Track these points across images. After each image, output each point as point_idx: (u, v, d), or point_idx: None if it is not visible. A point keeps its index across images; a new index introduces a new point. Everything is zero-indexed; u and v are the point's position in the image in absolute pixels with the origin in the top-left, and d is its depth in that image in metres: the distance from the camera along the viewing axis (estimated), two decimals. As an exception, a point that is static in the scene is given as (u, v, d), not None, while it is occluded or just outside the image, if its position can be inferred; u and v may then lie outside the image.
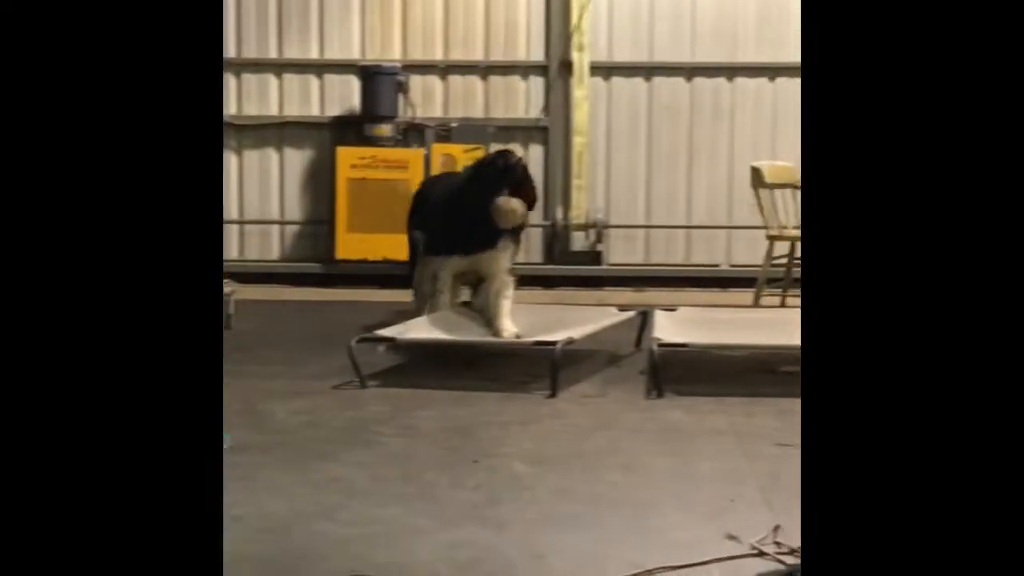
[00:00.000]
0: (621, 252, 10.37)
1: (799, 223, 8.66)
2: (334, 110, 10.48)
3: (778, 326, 7.21)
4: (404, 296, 8.50)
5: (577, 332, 6.66)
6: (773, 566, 3.62)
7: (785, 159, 9.64)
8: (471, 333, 6.83)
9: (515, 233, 7.01)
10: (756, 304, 8.64)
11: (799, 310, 7.86)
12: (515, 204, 6.82)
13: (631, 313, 7.45)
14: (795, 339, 6.68)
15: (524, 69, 10.41)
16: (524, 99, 10.45)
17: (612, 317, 7.36)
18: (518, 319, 6.89)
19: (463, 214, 6.91)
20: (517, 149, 10.19)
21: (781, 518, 4.14)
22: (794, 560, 3.73)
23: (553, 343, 6.30)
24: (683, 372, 6.58)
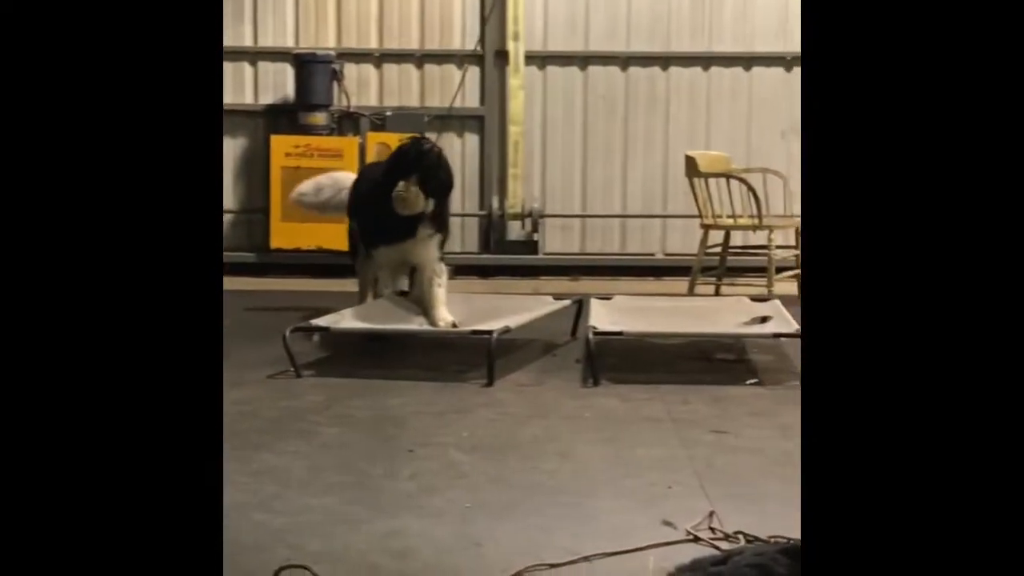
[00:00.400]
0: (557, 241, 10.39)
1: (733, 212, 8.73)
2: (268, 98, 10.41)
3: (713, 314, 7.26)
4: (339, 285, 8.47)
5: (513, 321, 6.66)
6: (708, 551, 3.64)
7: (719, 148, 9.71)
8: (406, 322, 6.81)
9: (436, 221, 6.94)
10: (691, 292, 8.70)
11: (733, 298, 7.96)
12: (411, 192, 6.75)
13: (567, 302, 7.46)
14: (730, 327, 6.80)
15: (459, 58, 10.39)
16: (460, 88, 10.42)
17: (548, 306, 7.37)
18: (454, 308, 6.88)
19: (383, 203, 6.88)
20: (453, 138, 10.20)
21: (716, 504, 4.18)
22: (728, 545, 3.75)
23: (489, 332, 6.30)
24: (619, 360, 6.61)
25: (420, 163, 6.81)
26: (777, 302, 7.18)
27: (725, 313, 7.20)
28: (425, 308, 6.84)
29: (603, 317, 6.80)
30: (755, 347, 6.95)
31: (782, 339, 6.55)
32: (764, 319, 6.73)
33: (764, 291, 8.27)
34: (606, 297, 7.67)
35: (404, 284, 7.29)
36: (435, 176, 6.85)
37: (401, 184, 6.72)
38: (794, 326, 6.35)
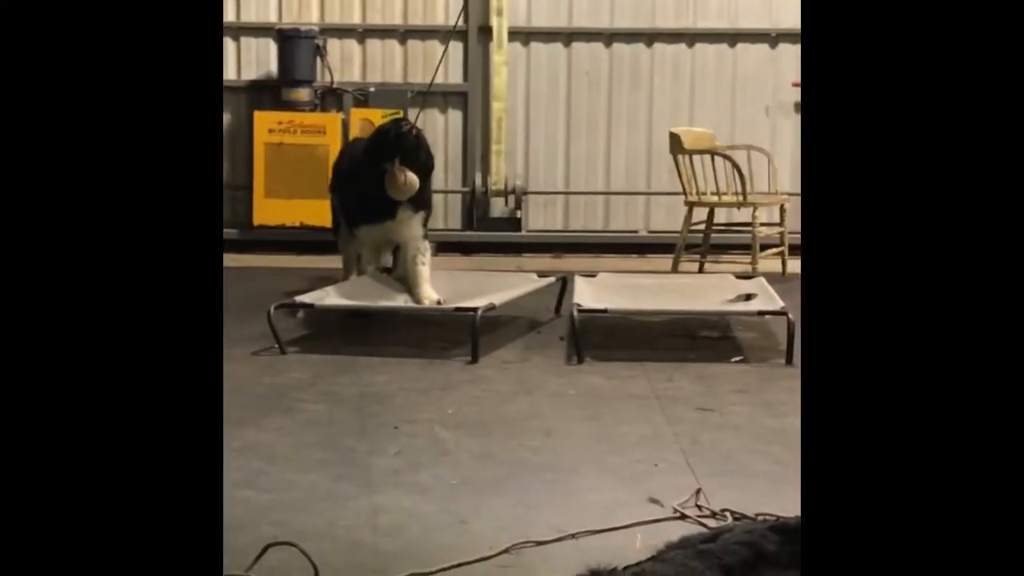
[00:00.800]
0: (540, 218, 10.36)
1: (717, 189, 8.72)
2: (251, 74, 10.35)
3: (697, 291, 7.26)
4: (322, 262, 8.45)
5: (497, 298, 6.65)
6: (695, 529, 3.64)
7: (703, 125, 9.69)
8: (391, 299, 6.79)
9: (418, 199, 6.93)
10: (675, 270, 8.69)
11: (717, 276, 7.96)
12: (408, 176, 6.73)
13: (551, 279, 7.45)
14: (714, 304, 6.80)
15: (443, 34, 10.33)
16: (443, 64, 10.37)
17: (532, 283, 7.36)
18: (438, 285, 6.86)
19: (363, 183, 6.88)
20: (436, 115, 10.17)
21: (702, 482, 4.18)
22: (715, 523, 3.76)
23: (474, 309, 6.29)
24: (603, 338, 6.60)
25: (400, 145, 6.81)
26: (762, 279, 7.18)
27: (710, 290, 7.20)
28: (409, 286, 6.83)
29: (587, 294, 6.79)
30: (740, 324, 6.96)
31: (767, 316, 6.55)
32: (749, 296, 6.73)
33: (748, 268, 8.26)
34: (590, 274, 7.66)
35: (388, 260, 7.28)
36: (415, 157, 6.86)
37: (394, 168, 6.71)
38: (779, 303, 6.35)
